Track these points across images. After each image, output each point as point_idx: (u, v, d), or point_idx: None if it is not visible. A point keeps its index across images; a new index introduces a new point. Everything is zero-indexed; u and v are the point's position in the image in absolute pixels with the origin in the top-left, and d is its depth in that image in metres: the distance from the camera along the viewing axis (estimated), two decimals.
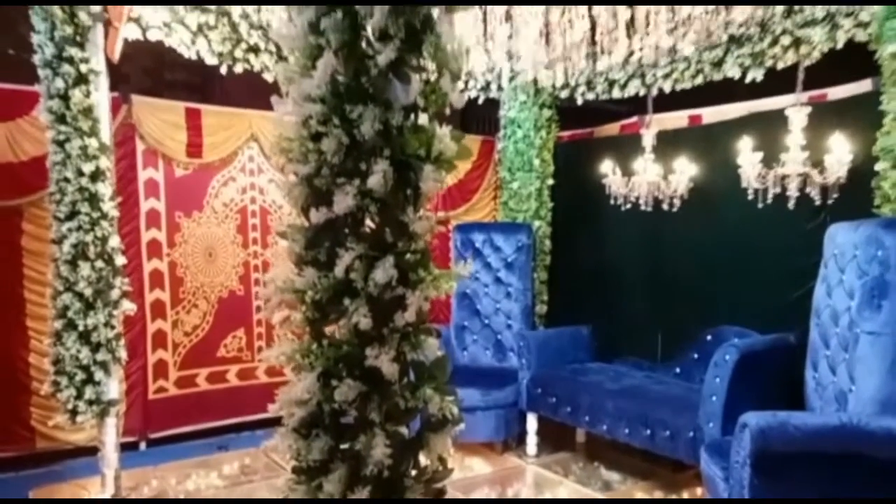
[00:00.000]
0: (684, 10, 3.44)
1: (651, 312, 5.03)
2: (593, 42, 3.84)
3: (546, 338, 4.94)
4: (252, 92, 4.78)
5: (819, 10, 3.73)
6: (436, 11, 1.38)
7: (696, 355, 4.35)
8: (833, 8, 3.67)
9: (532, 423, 4.64)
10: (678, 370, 4.49)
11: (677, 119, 5.13)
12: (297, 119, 1.43)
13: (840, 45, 3.75)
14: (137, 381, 4.71)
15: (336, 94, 1.39)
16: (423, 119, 1.44)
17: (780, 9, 3.87)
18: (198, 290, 5.02)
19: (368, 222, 1.46)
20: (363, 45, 1.38)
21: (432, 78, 1.42)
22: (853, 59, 3.90)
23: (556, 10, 3.26)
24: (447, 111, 1.47)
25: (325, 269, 1.46)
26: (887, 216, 3.26)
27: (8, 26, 5.10)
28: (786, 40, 3.95)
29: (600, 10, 3.40)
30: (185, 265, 4.95)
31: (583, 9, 3.41)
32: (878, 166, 3.36)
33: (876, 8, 3.27)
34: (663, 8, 3.32)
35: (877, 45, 3.31)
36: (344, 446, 1.47)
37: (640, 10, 3.40)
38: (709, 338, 4.30)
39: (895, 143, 3.21)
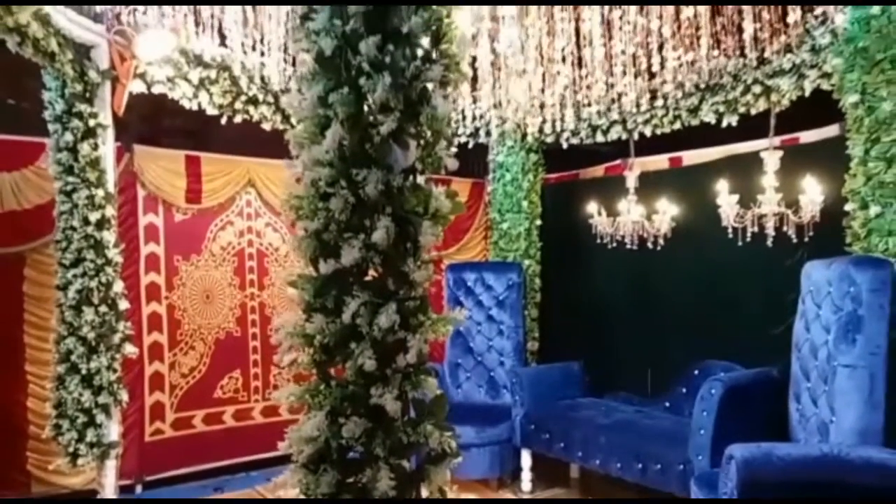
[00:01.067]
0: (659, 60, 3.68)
1: (640, 348, 5.18)
2: (576, 91, 4.07)
3: (538, 374, 5.06)
4: (249, 137, 4.99)
5: (786, 62, 3.99)
6: (430, 85, 1.57)
7: (684, 389, 4.48)
8: (799, 59, 3.94)
9: (526, 459, 4.73)
10: (668, 404, 4.61)
11: (659, 161, 5.37)
12: (307, 180, 1.60)
13: (807, 94, 4.01)
14: (134, 424, 4.76)
15: (343, 159, 1.56)
16: (420, 180, 1.61)
17: (751, 59, 4.13)
18: (195, 332, 5.11)
19: (372, 272, 1.61)
20: (367, 115, 1.56)
21: (429, 142, 1.60)
22: (822, 105, 4.15)
23: (539, 68, 3.51)
24: (442, 171, 1.65)
25: (332, 315, 1.61)
26: (858, 254, 3.44)
27: (12, 79, 5.28)
28: (757, 89, 4.21)
29: (583, 62, 3.64)
30: (183, 308, 5.06)
31: (566, 64, 3.66)
32: (848, 207, 3.57)
33: (837, 60, 3.53)
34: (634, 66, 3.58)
35: (839, 94, 3.56)
36: (350, 480, 1.58)
37: (618, 68, 3.65)
38: (696, 372, 4.44)
39: (861, 185, 3.41)
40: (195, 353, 5.11)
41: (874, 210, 3.35)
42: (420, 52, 1.59)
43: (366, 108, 1.56)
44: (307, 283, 1.64)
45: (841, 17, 3.48)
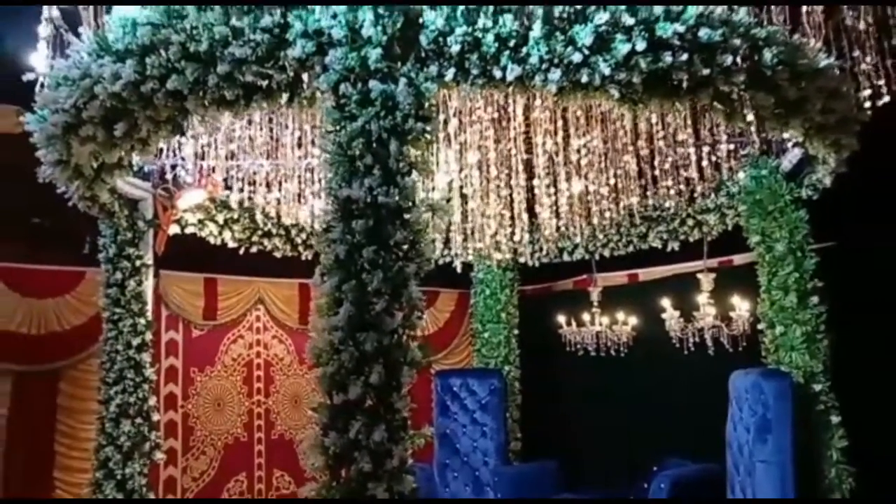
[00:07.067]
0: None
1: (608, 445, 5.94)
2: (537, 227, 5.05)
3: (518, 473, 5.75)
4: (259, 259, 5.87)
5: (710, 202, 5.00)
6: (409, 274, 2.48)
7: (645, 485, 5.18)
8: (720, 201, 4.95)
9: None
10: (632, 497, 5.30)
11: (619, 277, 6.31)
12: (325, 338, 2.46)
13: (730, 228, 5.00)
14: None
15: (350, 326, 2.43)
16: (403, 339, 2.48)
17: (684, 198, 5.13)
18: (206, 438, 5.82)
19: (369, 402, 2.44)
20: (367, 296, 2.44)
21: (408, 313, 2.48)
22: None
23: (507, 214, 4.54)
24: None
25: (341, 433, 2.41)
26: (769, 366, 4.28)
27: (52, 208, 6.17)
28: (690, 222, 5.21)
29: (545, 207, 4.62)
30: (197, 415, 5.80)
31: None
32: (760, 326, 4.44)
33: (742, 207, 4.52)
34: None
35: (747, 234, 4.52)
36: None
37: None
38: (654, 468, 5.16)
39: (768, 308, 4.31)
40: (206, 458, 5.80)
41: (779, 329, 4.23)
42: (401, 254, 2.51)
43: (367, 292, 2.45)
44: (325, 409, 2.46)
45: (742, 174, 4.51)
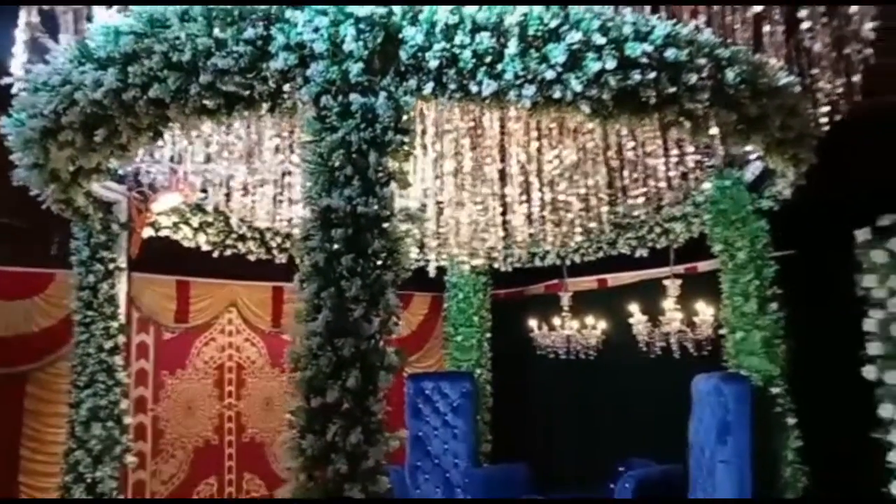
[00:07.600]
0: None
1: (578, 446, 6.09)
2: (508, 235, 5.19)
3: (488, 475, 5.87)
4: (233, 262, 5.90)
5: (677, 210, 5.19)
6: (387, 280, 2.58)
7: (612, 485, 5.35)
8: (687, 210, 5.14)
9: None
10: (598, 497, 5.46)
11: (589, 282, 6.49)
12: (304, 344, 2.54)
13: (696, 236, 5.19)
14: None
15: (329, 331, 2.52)
16: (380, 344, 2.57)
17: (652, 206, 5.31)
18: (176, 441, 5.82)
19: (346, 405, 2.52)
20: (345, 302, 2.53)
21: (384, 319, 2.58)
22: None
23: (482, 219, 4.67)
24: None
25: (319, 435, 2.50)
26: (730, 370, 4.48)
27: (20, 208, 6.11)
28: (658, 230, 5.39)
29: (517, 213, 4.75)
30: (167, 419, 5.80)
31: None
32: (722, 331, 4.64)
33: (707, 216, 4.72)
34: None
35: (711, 242, 4.72)
36: None
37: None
38: (621, 469, 5.33)
39: (730, 314, 4.50)
40: (175, 461, 5.80)
41: (740, 334, 4.42)
42: (380, 262, 2.60)
43: (345, 299, 2.54)
44: (302, 413, 2.54)
45: (708, 185, 4.70)
